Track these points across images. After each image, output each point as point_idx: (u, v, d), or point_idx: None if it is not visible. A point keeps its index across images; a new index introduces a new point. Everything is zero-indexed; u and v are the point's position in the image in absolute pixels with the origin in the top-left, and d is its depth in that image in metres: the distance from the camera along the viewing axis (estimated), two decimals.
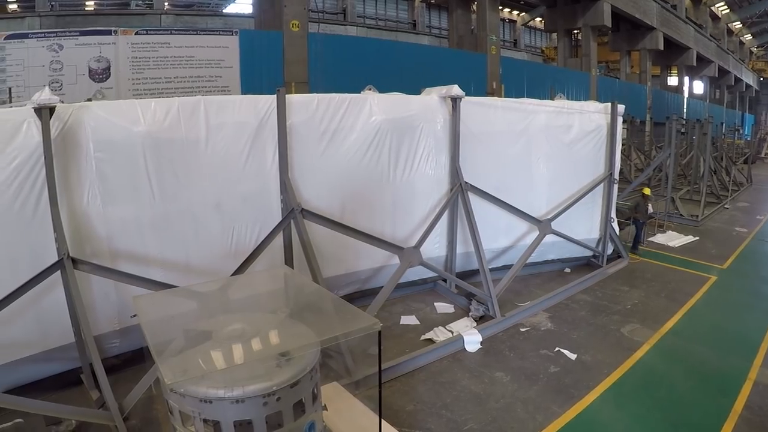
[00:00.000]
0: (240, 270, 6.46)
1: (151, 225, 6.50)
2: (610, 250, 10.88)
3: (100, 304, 6.33)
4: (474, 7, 22.80)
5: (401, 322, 7.97)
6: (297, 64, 14.53)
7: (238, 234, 6.97)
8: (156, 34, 13.93)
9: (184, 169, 6.57)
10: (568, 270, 10.59)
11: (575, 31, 30.20)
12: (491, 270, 8.42)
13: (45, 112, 5.50)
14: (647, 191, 12.79)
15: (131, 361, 6.51)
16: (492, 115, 9.01)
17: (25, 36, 13.02)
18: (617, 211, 11.25)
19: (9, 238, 5.69)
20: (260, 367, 3.47)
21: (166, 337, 3.88)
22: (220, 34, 14.70)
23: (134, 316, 5.67)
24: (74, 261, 5.59)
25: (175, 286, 5.61)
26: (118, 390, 5.27)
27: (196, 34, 14.60)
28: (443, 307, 8.50)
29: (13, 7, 25.58)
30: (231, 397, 3.20)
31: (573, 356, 7.03)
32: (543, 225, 9.34)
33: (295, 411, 3.47)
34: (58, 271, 5.54)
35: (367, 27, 33.16)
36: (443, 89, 8.34)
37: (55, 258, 5.54)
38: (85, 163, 6.04)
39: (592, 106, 10.48)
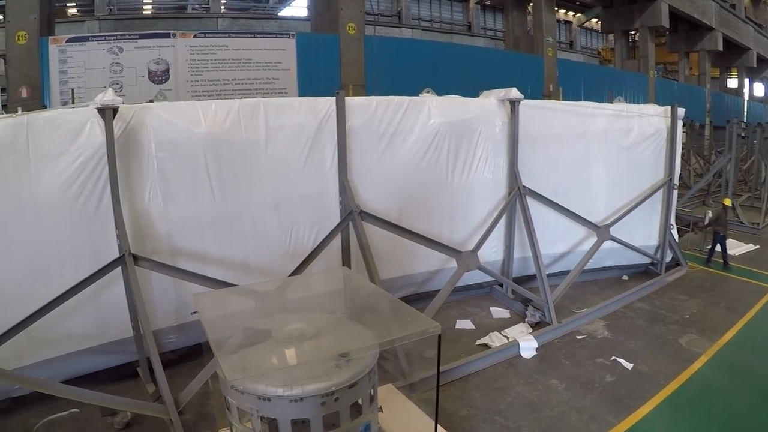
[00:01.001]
0: (298, 270, 6.51)
1: (211, 224, 6.62)
2: (668, 257, 10.55)
3: (159, 301, 6.48)
4: (530, 8, 22.55)
5: (456, 326, 7.92)
6: (353, 66, 14.58)
7: (296, 234, 7.03)
8: (214, 37, 14.20)
9: (243, 169, 6.67)
10: (625, 277, 10.32)
11: (632, 32, 29.53)
12: (547, 276, 8.27)
13: (108, 113, 5.65)
14: (728, 201, 12.27)
15: (186, 356, 6.63)
16: (550, 119, 8.88)
17: (86, 39, 13.42)
18: (676, 217, 10.92)
19: (71, 234, 5.86)
20: (319, 367, 3.48)
21: (226, 334, 3.93)
22: (277, 37, 14.86)
23: (194, 312, 5.77)
24: (135, 258, 5.72)
25: (234, 285, 5.69)
26: (172, 384, 5.38)
27: (254, 37, 14.81)
28: (499, 312, 8.41)
29: (73, 11, 26.43)
30: (290, 395, 3.22)
31: (629, 366, 6.86)
32: (601, 231, 9.15)
33: (352, 412, 3.49)
34: (119, 267, 5.68)
35: (422, 29, 33.03)
36: (501, 92, 8.26)
37: (115, 254, 5.69)
38: (146, 163, 6.19)
39: (652, 109, 10.25)
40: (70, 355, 5.97)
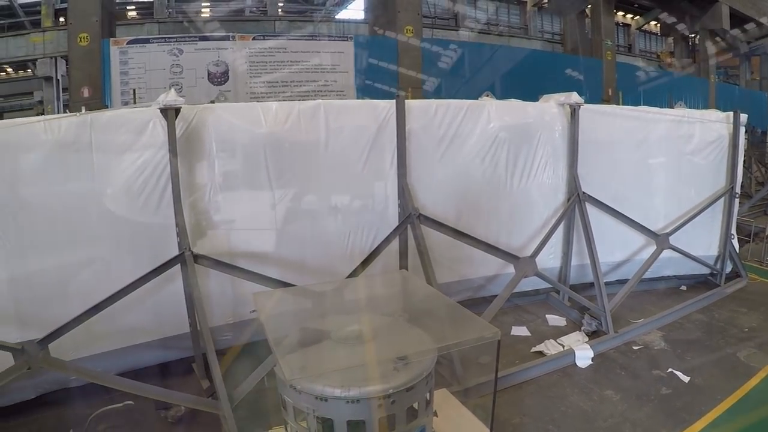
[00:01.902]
0: (356, 272, 6.55)
1: (270, 224, 6.71)
2: (728, 268, 10.23)
3: (217, 298, 6.60)
4: (588, 11, 22.20)
5: (512, 333, 7.86)
6: (411, 69, 14.62)
7: (354, 236, 7.08)
8: (272, 39, 14.42)
9: (303, 170, 6.75)
10: (683, 288, 10.05)
11: (692, 35, 28.78)
12: (605, 284, 8.11)
13: (171, 113, 5.78)
14: None
15: (241, 354, 6.73)
16: (611, 124, 8.72)
17: (146, 41, 13.80)
18: (737, 227, 10.58)
19: (133, 231, 6.03)
20: (377, 370, 3.49)
21: (285, 333, 3.98)
22: (334, 40, 15.02)
23: (253, 311, 5.88)
24: (195, 256, 5.84)
25: (292, 285, 5.76)
26: (227, 381, 5.44)
27: (312, 39, 14.99)
28: (555, 319, 8.31)
29: (133, 14, 27.16)
30: (347, 396, 3.24)
31: (686, 378, 6.67)
32: (661, 239, 8.94)
33: (408, 415, 3.49)
34: (178, 264, 5.81)
35: (479, 32, 32.78)
36: (561, 96, 8.15)
37: (175, 251, 5.83)
38: (207, 162, 6.32)
39: (713, 114, 9.95)
40: (127, 348, 6.13)
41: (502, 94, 8.42)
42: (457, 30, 30.81)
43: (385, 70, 14.58)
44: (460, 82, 14.16)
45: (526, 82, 14.68)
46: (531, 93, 8.83)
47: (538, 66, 18.50)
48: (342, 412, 3.32)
